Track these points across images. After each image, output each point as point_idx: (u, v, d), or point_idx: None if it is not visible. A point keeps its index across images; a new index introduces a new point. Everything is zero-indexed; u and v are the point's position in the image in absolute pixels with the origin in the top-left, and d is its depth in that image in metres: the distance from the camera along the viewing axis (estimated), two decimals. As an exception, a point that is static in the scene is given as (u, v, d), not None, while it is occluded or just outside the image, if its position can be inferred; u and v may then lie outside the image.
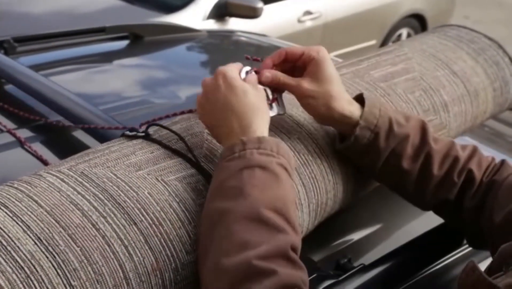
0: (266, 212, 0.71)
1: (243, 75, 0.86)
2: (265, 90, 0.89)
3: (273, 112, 0.90)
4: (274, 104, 0.91)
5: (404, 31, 4.91)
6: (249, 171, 0.75)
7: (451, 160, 0.93)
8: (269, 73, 0.89)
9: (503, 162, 0.94)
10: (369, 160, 0.94)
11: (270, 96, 0.90)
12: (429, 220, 1.03)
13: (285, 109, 0.92)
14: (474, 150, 0.95)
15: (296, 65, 0.91)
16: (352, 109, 0.90)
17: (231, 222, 0.71)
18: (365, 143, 0.91)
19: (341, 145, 0.93)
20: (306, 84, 0.88)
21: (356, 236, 1.06)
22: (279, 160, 0.78)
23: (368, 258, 0.98)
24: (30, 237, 0.67)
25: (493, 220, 0.86)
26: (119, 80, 1.56)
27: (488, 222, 0.88)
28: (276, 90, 0.91)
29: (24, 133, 1.14)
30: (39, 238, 0.67)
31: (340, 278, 0.89)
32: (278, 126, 0.94)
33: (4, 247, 0.65)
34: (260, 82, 0.88)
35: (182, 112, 0.95)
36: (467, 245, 1.00)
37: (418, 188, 0.94)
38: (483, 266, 0.96)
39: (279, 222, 0.72)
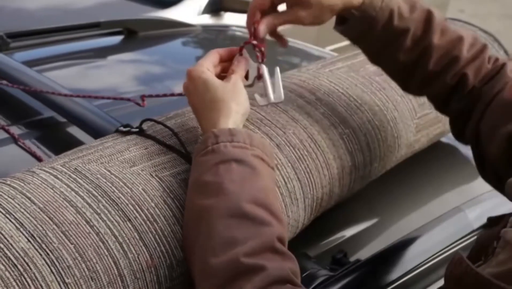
0: (248, 206, 0.71)
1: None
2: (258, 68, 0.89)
3: (266, 101, 0.88)
4: (269, 91, 0.89)
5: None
6: (226, 166, 0.74)
7: (449, 59, 0.91)
8: (263, 25, 0.89)
9: (501, 68, 0.91)
10: (364, 46, 0.94)
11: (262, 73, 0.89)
12: (425, 214, 1.03)
13: (282, 95, 0.89)
14: (481, 51, 0.92)
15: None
16: (350, 2, 0.89)
17: (214, 219, 0.70)
18: (361, 33, 0.91)
19: (337, 27, 0.93)
20: (301, 12, 0.88)
21: (352, 231, 1.05)
22: (253, 151, 0.77)
23: (364, 253, 0.98)
24: (23, 234, 0.66)
25: (483, 138, 0.87)
26: (114, 76, 1.55)
27: (475, 134, 0.89)
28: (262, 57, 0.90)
29: (17, 129, 1.13)
30: (32, 235, 0.67)
31: (336, 273, 0.88)
32: (273, 121, 0.93)
33: (-3, 244, 0.65)
34: (259, 39, 0.89)
35: (172, 95, 0.98)
36: (464, 239, 1.00)
37: (411, 77, 0.94)
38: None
39: (263, 215, 0.71)
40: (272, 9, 0.91)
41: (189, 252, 0.73)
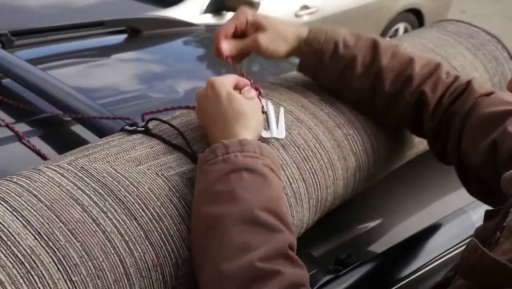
0: (261, 213, 0.71)
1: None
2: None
3: (269, 134, 0.89)
4: (273, 126, 0.90)
5: (401, 26, 4.90)
6: (237, 174, 0.75)
7: (404, 79, 0.95)
8: (225, 44, 0.95)
9: (468, 84, 0.95)
10: (323, 81, 0.99)
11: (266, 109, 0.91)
12: (429, 216, 1.03)
13: (284, 132, 0.91)
14: (435, 69, 0.97)
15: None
16: (299, 35, 0.97)
17: (226, 226, 0.70)
18: (313, 67, 0.97)
19: (297, 68, 1.00)
20: (259, 36, 0.94)
21: (356, 231, 1.06)
22: (264, 160, 0.78)
23: (368, 253, 0.99)
24: (30, 232, 0.67)
25: (466, 153, 0.91)
26: (118, 75, 1.55)
27: (456, 152, 0.93)
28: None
29: (22, 127, 1.13)
30: (39, 233, 0.67)
31: (340, 274, 0.88)
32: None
33: (4, 242, 0.65)
34: (222, 56, 0.95)
35: (180, 107, 0.95)
36: (467, 240, 1.00)
37: (372, 103, 0.98)
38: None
39: (274, 222, 0.71)
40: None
41: (198, 261, 0.72)
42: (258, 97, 0.90)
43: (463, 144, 0.92)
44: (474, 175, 0.93)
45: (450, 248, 1.00)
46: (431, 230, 1.01)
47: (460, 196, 0.99)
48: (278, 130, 0.90)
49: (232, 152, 0.76)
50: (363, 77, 0.96)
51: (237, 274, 0.66)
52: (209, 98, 0.84)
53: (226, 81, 0.86)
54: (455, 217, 1.04)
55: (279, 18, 0.99)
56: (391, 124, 1.03)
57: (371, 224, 1.08)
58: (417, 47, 1.25)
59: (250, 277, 0.65)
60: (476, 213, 1.05)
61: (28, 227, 0.67)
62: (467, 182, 0.96)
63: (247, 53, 0.98)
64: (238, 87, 0.90)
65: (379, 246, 1.01)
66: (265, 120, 0.90)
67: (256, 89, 0.91)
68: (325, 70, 0.97)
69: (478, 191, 0.95)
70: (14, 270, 0.63)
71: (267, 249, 0.68)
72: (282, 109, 0.93)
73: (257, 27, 0.95)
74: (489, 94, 0.94)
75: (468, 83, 0.95)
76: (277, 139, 0.90)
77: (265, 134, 0.89)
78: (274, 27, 0.95)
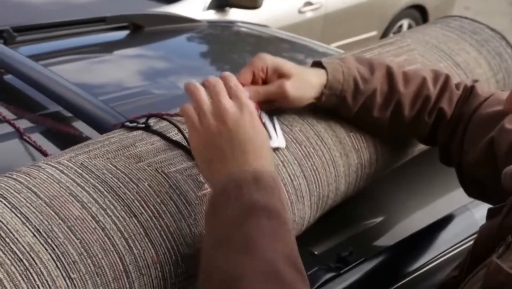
0: (283, 267, 0.63)
1: None
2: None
3: (270, 144, 0.84)
4: (273, 136, 0.88)
5: (405, 22, 4.89)
6: (254, 220, 0.66)
7: (422, 100, 0.95)
8: (249, 91, 0.83)
9: (472, 89, 0.97)
10: (341, 115, 0.97)
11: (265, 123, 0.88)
12: (431, 213, 1.02)
13: (284, 141, 0.89)
14: (446, 82, 0.97)
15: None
16: (321, 77, 0.92)
17: (247, 285, 0.62)
18: (334, 106, 0.94)
19: (312, 104, 0.94)
20: (286, 83, 0.87)
21: (357, 229, 1.05)
22: (279, 194, 0.70)
23: (370, 251, 0.98)
24: (29, 228, 0.66)
25: (465, 152, 0.91)
26: (120, 71, 1.55)
27: (459, 151, 0.93)
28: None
29: (23, 123, 1.13)
30: (38, 230, 0.66)
31: (342, 271, 0.88)
32: (280, 118, 0.93)
33: (2, 238, 0.64)
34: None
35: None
36: (469, 238, 0.99)
37: (392, 129, 0.98)
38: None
39: (296, 277, 0.64)
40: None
41: None
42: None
43: (465, 143, 0.93)
44: (472, 178, 0.94)
45: (453, 246, 1.00)
46: (433, 228, 1.00)
47: (463, 194, 0.98)
48: (279, 139, 0.88)
49: (246, 187, 0.67)
50: (383, 106, 0.95)
51: None
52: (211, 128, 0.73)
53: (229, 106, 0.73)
54: (458, 214, 1.04)
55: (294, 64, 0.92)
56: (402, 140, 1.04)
57: (373, 222, 1.08)
58: (421, 44, 1.24)
59: None
60: (479, 210, 1.05)
61: (27, 223, 0.67)
62: (464, 182, 0.97)
63: (271, 101, 0.89)
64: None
65: (381, 244, 1.01)
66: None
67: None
68: (347, 107, 0.95)
69: (475, 190, 0.96)
70: (12, 267, 0.63)
71: None
72: (274, 117, 0.91)
73: (280, 73, 0.88)
74: (491, 96, 0.95)
75: (472, 88, 0.97)
76: (278, 148, 0.88)
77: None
78: (298, 73, 0.89)
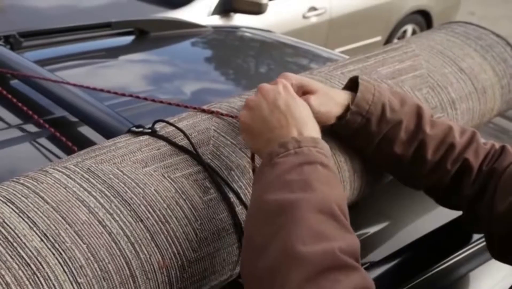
0: (336, 208, 0.69)
1: None
2: None
3: None
4: None
5: (409, 28, 4.89)
6: (311, 167, 0.72)
7: (446, 147, 0.93)
8: None
9: (503, 148, 0.94)
10: (361, 142, 0.95)
11: None
12: (437, 218, 1.02)
13: None
14: (473, 136, 0.95)
15: None
16: (348, 96, 0.92)
17: (302, 212, 0.67)
18: (356, 127, 0.92)
19: (335, 124, 0.93)
20: (311, 99, 0.88)
21: (362, 234, 1.05)
22: (332, 160, 0.77)
23: (375, 255, 0.98)
24: (36, 233, 0.67)
25: (495, 208, 0.86)
26: (125, 76, 1.56)
27: (488, 210, 0.88)
28: None
29: (29, 128, 1.14)
30: (45, 234, 0.67)
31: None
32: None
33: (10, 243, 0.65)
34: None
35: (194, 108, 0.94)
36: (475, 243, 0.99)
37: (411, 171, 0.95)
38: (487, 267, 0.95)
39: (346, 222, 0.69)
40: None
41: (259, 242, 0.69)
42: None
43: (496, 200, 0.88)
44: (500, 235, 0.87)
45: (460, 251, 0.99)
46: (438, 233, 1.00)
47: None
48: None
49: (305, 146, 0.74)
50: (406, 144, 0.93)
51: (316, 258, 0.63)
52: (282, 95, 0.82)
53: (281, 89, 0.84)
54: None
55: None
56: (420, 190, 1.00)
57: (378, 227, 1.07)
58: (425, 49, 1.24)
59: (329, 264, 0.63)
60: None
61: (35, 228, 0.67)
62: (493, 246, 0.90)
63: None
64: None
65: (385, 249, 1.00)
66: None
67: None
68: (369, 131, 0.93)
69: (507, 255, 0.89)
70: (20, 272, 0.63)
71: (345, 244, 0.65)
72: None
73: (304, 90, 0.90)
74: None
75: (503, 147, 0.94)
76: None
77: None
78: (323, 89, 0.91)
